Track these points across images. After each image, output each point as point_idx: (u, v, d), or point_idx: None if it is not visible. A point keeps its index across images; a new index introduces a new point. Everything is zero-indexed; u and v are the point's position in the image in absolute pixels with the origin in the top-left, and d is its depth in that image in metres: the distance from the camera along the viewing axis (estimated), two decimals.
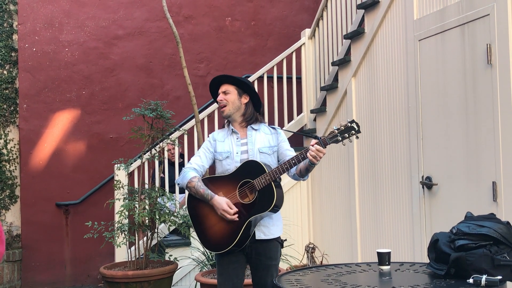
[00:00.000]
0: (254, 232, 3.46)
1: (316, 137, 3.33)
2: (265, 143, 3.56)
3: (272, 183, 3.34)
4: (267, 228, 3.49)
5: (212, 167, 3.71)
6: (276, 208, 3.41)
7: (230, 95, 3.57)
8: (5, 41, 7.34)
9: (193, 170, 3.53)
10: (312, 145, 3.25)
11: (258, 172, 3.37)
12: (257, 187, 3.36)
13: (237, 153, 3.53)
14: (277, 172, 3.34)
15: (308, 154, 3.25)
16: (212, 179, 3.54)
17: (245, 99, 3.61)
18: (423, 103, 4.55)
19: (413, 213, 4.67)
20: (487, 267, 2.43)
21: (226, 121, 3.72)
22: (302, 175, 3.48)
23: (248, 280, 3.78)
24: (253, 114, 3.63)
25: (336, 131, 3.26)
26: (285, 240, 3.70)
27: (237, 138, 3.58)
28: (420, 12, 4.61)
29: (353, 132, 3.25)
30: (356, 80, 5.72)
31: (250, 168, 3.41)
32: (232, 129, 3.61)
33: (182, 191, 6.70)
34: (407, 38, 4.74)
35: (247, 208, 3.38)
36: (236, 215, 3.37)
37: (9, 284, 6.97)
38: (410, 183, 4.72)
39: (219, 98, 3.59)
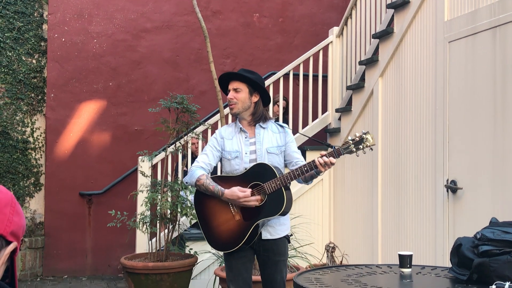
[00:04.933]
0: (261, 232, 3.46)
1: (330, 146, 3.33)
2: (273, 142, 3.53)
3: (283, 188, 3.34)
4: (274, 228, 3.49)
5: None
6: (285, 213, 3.42)
7: (241, 94, 3.51)
8: (34, 31, 7.43)
9: (200, 169, 3.48)
10: (325, 155, 3.26)
11: (268, 175, 3.36)
12: (267, 191, 3.35)
13: (246, 153, 3.50)
14: (288, 178, 3.33)
15: (317, 162, 3.25)
16: (221, 178, 3.52)
17: (255, 98, 3.55)
18: (450, 105, 4.49)
19: (437, 216, 4.62)
20: (510, 274, 2.39)
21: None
22: (306, 180, 3.49)
23: (256, 277, 3.78)
24: (262, 112, 3.59)
25: (351, 141, 3.27)
26: (291, 235, 3.70)
27: (246, 138, 3.54)
28: (451, 13, 4.55)
29: (367, 144, 3.25)
30: (383, 80, 5.68)
31: (261, 171, 3.40)
32: (240, 127, 3.57)
33: None
34: (437, 40, 4.69)
35: (255, 210, 3.38)
36: (255, 197, 3.35)
37: (30, 270, 7.07)
38: (435, 186, 4.67)
39: (229, 96, 3.52)
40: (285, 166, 3.60)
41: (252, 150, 3.52)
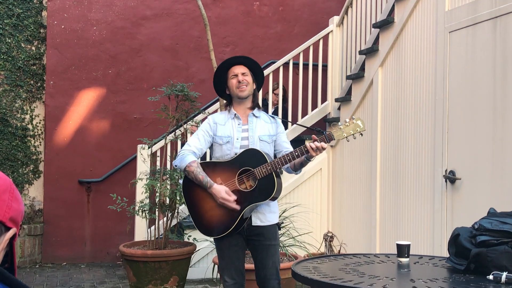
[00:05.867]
0: (251, 218, 3.47)
1: (321, 132, 3.36)
2: (265, 131, 3.56)
3: (273, 173, 3.36)
4: (263, 215, 3.50)
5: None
6: (275, 198, 3.44)
7: (248, 77, 3.58)
8: (34, 18, 7.41)
9: (192, 154, 3.49)
10: (316, 140, 3.30)
11: (259, 161, 3.38)
12: (257, 176, 3.36)
13: (237, 138, 3.52)
14: (279, 163, 3.36)
15: (309, 145, 3.29)
16: (210, 164, 3.53)
17: (254, 86, 3.64)
18: (450, 96, 4.49)
19: (435, 206, 4.63)
20: (508, 264, 2.40)
21: (225, 105, 3.71)
22: (295, 169, 3.53)
23: (248, 265, 3.79)
24: (257, 101, 3.67)
25: (341, 127, 3.33)
26: (282, 223, 3.72)
27: (239, 124, 3.57)
28: (452, 3, 4.53)
29: (358, 129, 3.30)
30: (383, 70, 5.67)
31: (251, 156, 3.42)
32: (235, 114, 3.59)
33: None
34: (437, 30, 4.68)
35: (245, 195, 3.40)
36: (236, 204, 3.38)
37: (29, 257, 7.09)
38: (433, 177, 4.68)
39: (240, 78, 3.55)
40: (275, 156, 3.62)
41: (244, 136, 3.54)
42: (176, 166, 3.55)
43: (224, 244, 3.52)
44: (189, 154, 3.49)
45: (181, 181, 5.79)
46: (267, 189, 3.38)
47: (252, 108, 3.60)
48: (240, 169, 3.42)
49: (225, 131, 3.55)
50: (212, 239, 5.95)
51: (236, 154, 3.47)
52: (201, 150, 3.55)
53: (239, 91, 3.55)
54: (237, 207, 3.38)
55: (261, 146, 3.50)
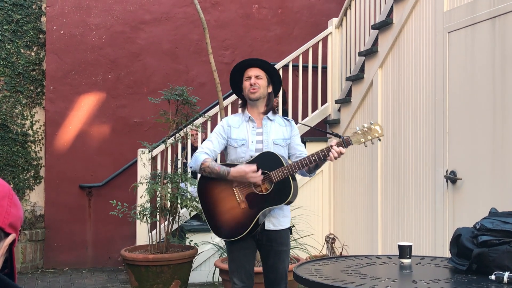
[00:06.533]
0: (264, 222, 3.46)
1: (339, 136, 3.32)
2: (279, 134, 3.54)
3: (290, 177, 3.34)
4: (277, 219, 3.49)
5: (221, 154, 3.69)
6: (290, 202, 3.42)
7: (262, 81, 3.55)
8: (33, 23, 7.42)
9: (204, 154, 3.49)
10: (334, 145, 3.26)
11: (275, 164, 3.36)
12: (273, 180, 3.34)
13: (252, 141, 3.51)
14: (295, 167, 3.33)
15: (331, 154, 3.25)
16: (226, 165, 3.50)
17: (270, 89, 3.61)
18: (450, 96, 4.49)
19: (436, 207, 4.62)
20: (510, 264, 2.39)
21: (240, 105, 3.70)
22: (310, 171, 3.49)
23: (258, 268, 3.78)
24: (272, 104, 3.64)
25: (359, 132, 3.27)
26: (293, 226, 3.70)
27: (253, 127, 3.55)
28: (451, 3, 4.53)
29: (376, 134, 3.25)
30: (382, 71, 5.67)
31: (267, 160, 3.39)
32: (249, 117, 3.58)
33: None
34: (436, 30, 4.67)
35: (261, 198, 3.38)
36: (260, 171, 3.33)
37: (31, 263, 7.09)
38: (434, 177, 4.67)
39: (252, 81, 3.53)
40: (288, 158, 3.60)
41: (259, 140, 3.52)
42: (191, 167, 3.54)
43: (235, 247, 3.51)
44: (202, 154, 3.48)
45: (182, 185, 5.80)
46: (283, 192, 3.35)
47: (266, 111, 3.59)
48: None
49: (239, 134, 3.54)
50: (214, 242, 5.96)
51: (251, 156, 3.46)
52: (214, 151, 3.54)
53: (250, 93, 3.54)
54: (260, 178, 3.32)
55: (275, 149, 3.48)
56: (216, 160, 3.64)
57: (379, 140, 3.30)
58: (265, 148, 3.48)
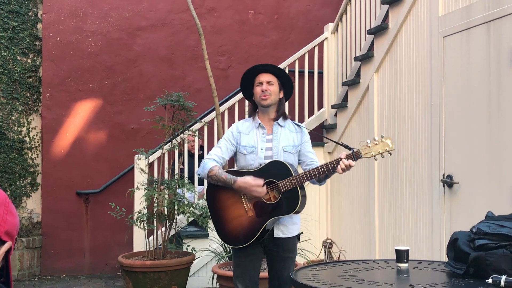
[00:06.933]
0: (273, 229, 3.45)
1: (349, 149, 3.30)
2: (289, 141, 3.52)
3: (298, 187, 3.33)
4: (286, 227, 3.48)
5: (231, 159, 3.69)
6: (298, 212, 3.40)
7: (273, 87, 3.52)
8: (29, 30, 7.42)
9: (212, 161, 3.48)
10: (344, 158, 3.23)
11: (283, 173, 3.34)
12: (282, 189, 3.33)
13: (261, 149, 3.49)
14: (304, 178, 3.31)
15: (339, 166, 3.23)
16: (235, 172, 3.50)
17: (281, 94, 3.59)
18: (446, 101, 4.50)
19: (433, 211, 4.63)
20: (507, 267, 2.40)
21: (248, 111, 3.68)
22: (320, 180, 3.47)
23: (264, 273, 3.78)
24: (284, 110, 3.62)
25: (370, 145, 3.24)
26: (302, 233, 3.69)
27: (263, 134, 3.53)
28: (446, 8, 4.55)
29: (387, 148, 3.22)
30: (378, 76, 5.68)
31: (276, 168, 3.37)
32: (259, 123, 3.56)
33: (200, 182, 6.72)
34: (432, 35, 4.69)
35: (269, 208, 3.36)
36: (265, 187, 3.33)
37: (28, 270, 7.07)
38: (431, 181, 4.68)
39: (264, 87, 3.51)
40: (299, 164, 3.58)
41: (268, 147, 3.50)
42: (199, 175, 3.53)
43: (242, 253, 3.49)
44: (210, 161, 3.47)
45: (179, 191, 5.80)
46: (291, 202, 3.33)
47: (277, 117, 3.56)
48: (265, 181, 3.36)
49: (249, 140, 3.52)
50: (212, 248, 5.95)
51: (260, 164, 3.44)
52: (222, 158, 3.52)
53: (261, 99, 3.52)
54: (264, 190, 3.32)
55: (284, 157, 3.46)
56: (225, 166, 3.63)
57: (390, 154, 3.24)
58: (274, 156, 3.46)
